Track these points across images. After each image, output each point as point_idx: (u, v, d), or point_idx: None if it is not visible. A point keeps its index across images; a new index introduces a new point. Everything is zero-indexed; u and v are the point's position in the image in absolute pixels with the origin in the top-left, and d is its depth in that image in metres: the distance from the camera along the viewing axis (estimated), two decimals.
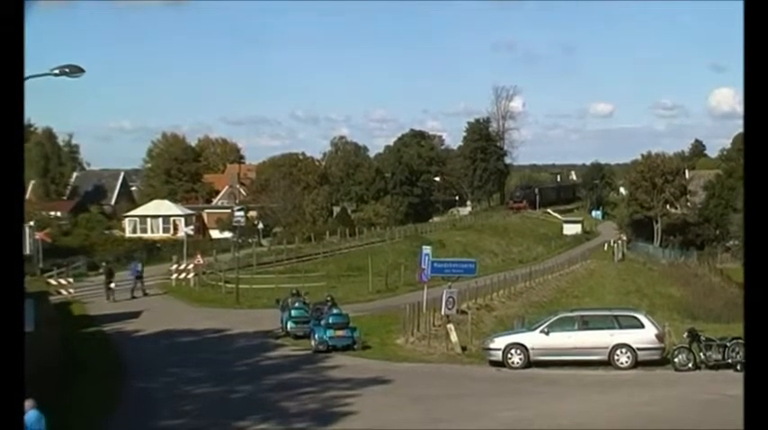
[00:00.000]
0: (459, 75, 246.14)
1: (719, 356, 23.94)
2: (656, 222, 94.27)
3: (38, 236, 52.40)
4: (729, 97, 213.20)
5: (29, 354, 16.30)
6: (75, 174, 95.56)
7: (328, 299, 31.84)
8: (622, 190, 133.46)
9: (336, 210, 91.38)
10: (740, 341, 23.05)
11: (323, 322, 28.51)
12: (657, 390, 21.66)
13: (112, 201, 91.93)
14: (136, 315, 36.65)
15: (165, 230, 78.40)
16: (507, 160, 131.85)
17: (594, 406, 19.64)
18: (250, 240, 70.12)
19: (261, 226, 76.40)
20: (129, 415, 19.65)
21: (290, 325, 30.80)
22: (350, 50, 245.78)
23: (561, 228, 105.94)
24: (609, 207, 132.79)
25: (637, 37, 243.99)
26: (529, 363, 25.35)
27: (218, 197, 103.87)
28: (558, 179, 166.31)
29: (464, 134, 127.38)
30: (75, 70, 18.55)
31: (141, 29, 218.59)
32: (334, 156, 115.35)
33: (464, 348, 28.47)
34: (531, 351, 25.43)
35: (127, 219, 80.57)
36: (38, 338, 19.10)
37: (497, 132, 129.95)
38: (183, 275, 47.91)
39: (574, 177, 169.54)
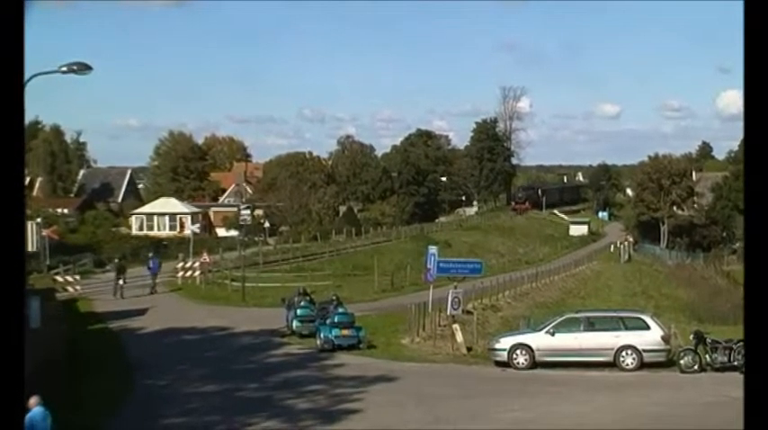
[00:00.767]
0: (465, 75, 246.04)
1: (725, 359, 23.88)
2: (663, 224, 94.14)
3: (45, 233, 52.54)
4: (737, 99, 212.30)
5: (35, 351, 16.39)
6: (82, 172, 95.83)
7: (334, 298, 31.84)
8: (629, 191, 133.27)
9: (343, 209, 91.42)
10: None
11: (328, 321, 28.51)
12: (663, 392, 21.63)
13: (119, 199, 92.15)
14: (142, 312, 36.72)
15: (172, 228, 78.51)
16: (514, 161, 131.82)
17: (599, 407, 19.62)
18: (256, 239, 70.21)
19: (267, 224, 76.46)
20: (136, 412, 19.69)
21: (295, 323, 30.81)
22: (357, 50, 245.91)
23: (567, 229, 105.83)
24: (615, 208, 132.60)
25: (643, 38, 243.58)
26: (534, 364, 25.33)
27: (225, 195, 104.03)
28: (565, 180, 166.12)
29: (471, 134, 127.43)
30: (82, 68, 18.59)
31: (148, 27, 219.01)
32: (340, 156, 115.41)
33: (469, 348, 28.45)
34: (536, 352, 25.41)
35: (133, 217, 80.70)
36: (44, 335, 19.21)
37: (504, 133, 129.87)
38: (189, 273, 47.98)
39: (581, 178, 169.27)
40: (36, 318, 18.82)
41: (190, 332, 32.16)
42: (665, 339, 25.52)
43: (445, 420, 18.40)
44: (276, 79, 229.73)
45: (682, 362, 24.34)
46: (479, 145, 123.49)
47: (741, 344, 23.50)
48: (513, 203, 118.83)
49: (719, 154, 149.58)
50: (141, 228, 78.36)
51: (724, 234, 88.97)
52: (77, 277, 44.89)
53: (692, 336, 25.05)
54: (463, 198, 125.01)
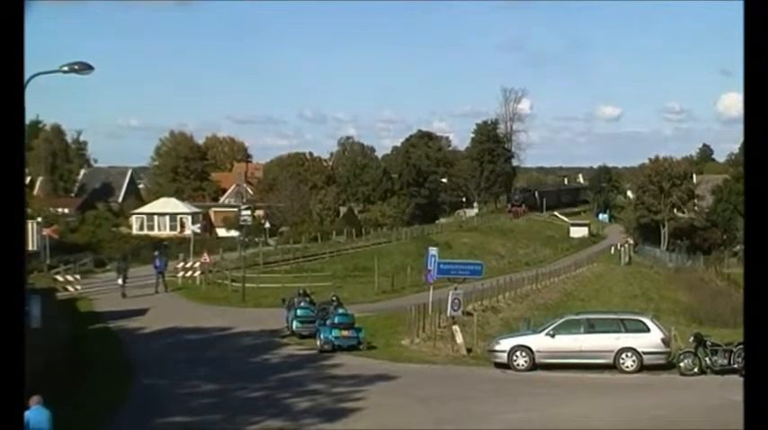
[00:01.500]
0: (466, 76, 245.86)
1: (725, 361, 23.89)
2: (663, 226, 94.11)
3: (45, 232, 52.59)
4: (737, 102, 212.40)
5: (35, 350, 16.40)
6: (82, 171, 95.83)
7: (334, 299, 31.84)
8: (630, 193, 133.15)
9: (343, 210, 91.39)
10: None
11: (328, 322, 28.53)
12: (662, 395, 21.63)
13: (120, 199, 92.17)
14: (142, 312, 36.72)
15: (172, 228, 78.56)
16: (515, 162, 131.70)
17: (599, 409, 19.62)
18: (257, 239, 70.24)
19: (267, 225, 76.47)
20: (136, 411, 19.69)
21: (295, 324, 30.82)
22: (357, 50, 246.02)
23: (568, 231, 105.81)
24: (616, 210, 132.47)
25: (644, 40, 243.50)
26: (534, 366, 25.34)
27: (225, 196, 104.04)
28: (566, 182, 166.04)
29: (472, 135, 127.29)
30: (83, 67, 18.62)
31: (149, 27, 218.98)
32: (341, 157, 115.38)
33: (469, 350, 28.46)
34: (536, 353, 25.42)
35: (134, 217, 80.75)
36: (44, 334, 19.21)
37: (505, 134, 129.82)
38: (189, 273, 48.00)
39: (581, 180, 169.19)
40: (36, 318, 18.81)
41: (190, 332, 32.17)
42: (665, 341, 25.53)
43: (446, 421, 18.41)
44: (276, 80, 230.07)
45: (682, 364, 24.36)
46: (480, 146, 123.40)
47: (741, 346, 23.50)
48: (508, 206, 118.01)
49: (720, 156, 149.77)
50: (142, 228, 78.40)
51: (724, 236, 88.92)
52: (78, 277, 44.91)
53: (691, 339, 25.06)
54: (464, 199, 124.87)
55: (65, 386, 20.25)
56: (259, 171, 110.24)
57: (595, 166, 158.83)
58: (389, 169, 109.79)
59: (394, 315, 34.67)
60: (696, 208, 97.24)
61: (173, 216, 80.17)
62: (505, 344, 25.95)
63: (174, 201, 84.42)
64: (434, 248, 33.83)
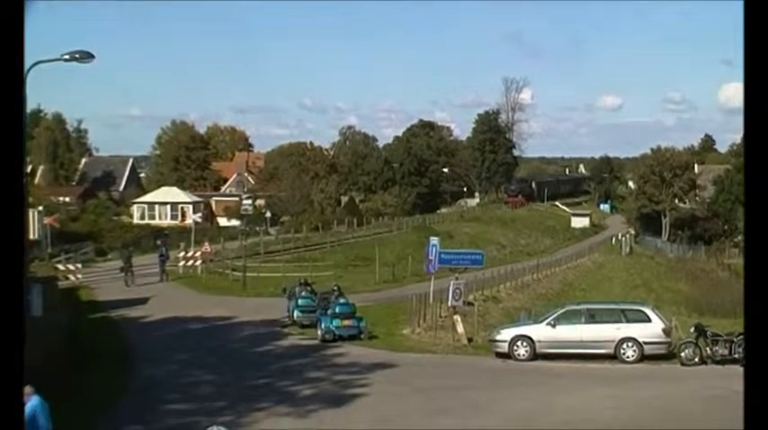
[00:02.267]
0: (467, 66, 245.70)
1: (726, 351, 23.91)
2: (665, 216, 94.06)
3: (46, 221, 52.59)
4: (739, 92, 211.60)
5: (36, 339, 16.40)
6: (83, 160, 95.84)
7: (335, 288, 31.85)
8: (631, 184, 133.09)
9: (344, 199, 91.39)
10: None
11: (329, 311, 28.56)
12: (663, 385, 21.65)
13: (121, 188, 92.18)
14: (143, 301, 36.76)
15: (174, 217, 78.55)
16: (516, 152, 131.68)
17: (600, 399, 19.63)
18: (258, 229, 70.23)
19: (269, 214, 76.47)
20: (138, 400, 19.72)
21: (296, 314, 30.85)
22: (358, 40, 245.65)
23: (569, 221, 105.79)
24: (617, 200, 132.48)
25: (645, 30, 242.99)
26: (535, 356, 25.37)
27: (227, 185, 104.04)
28: (567, 172, 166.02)
29: (473, 125, 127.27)
30: (85, 56, 18.61)
31: (151, 16, 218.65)
32: (342, 146, 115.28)
33: (470, 339, 28.48)
34: (537, 343, 25.45)
35: (135, 206, 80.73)
36: (45, 323, 19.23)
37: (506, 124, 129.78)
38: (190, 263, 48.03)
39: (583, 170, 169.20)
40: (37, 306, 18.85)
41: (191, 321, 32.20)
42: (666, 332, 25.54)
43: (446, 410, 18.43)
44: (277, 69, 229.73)
45: (682, 354, 24.38)
46: (481, 136, 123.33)
47: (742, 337, 23.50)
48: (505, 196, 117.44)
49: (722, 147, 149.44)
50: (143, 218, 78.38)
51: (726, 227, 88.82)
52: (79, 265, 44.94)
53: (692, 329, 25.07)
54: (465, 189, 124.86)
55: (66, 374, 20.29)
56: (260, 160, 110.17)
57: (597, 157, 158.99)
58: (391, 159, 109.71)
59: (395, 304, 34.72)
60: (697, 198, 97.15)
61: (174, 205, 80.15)
62: (506, 334, 25.98)
63: (175, 190, 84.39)
64: (435, 238, 33.82)
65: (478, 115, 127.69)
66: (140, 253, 51.57)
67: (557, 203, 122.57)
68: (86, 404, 18.26)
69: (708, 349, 24.28)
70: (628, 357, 24.94)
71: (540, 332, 25.60)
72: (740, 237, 79.31)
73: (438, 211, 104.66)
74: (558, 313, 26.40)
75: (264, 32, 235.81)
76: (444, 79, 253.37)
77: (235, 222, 79.56)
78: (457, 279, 29.49)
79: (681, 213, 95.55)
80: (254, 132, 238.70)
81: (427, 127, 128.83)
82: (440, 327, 29.46)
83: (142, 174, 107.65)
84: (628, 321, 25.46)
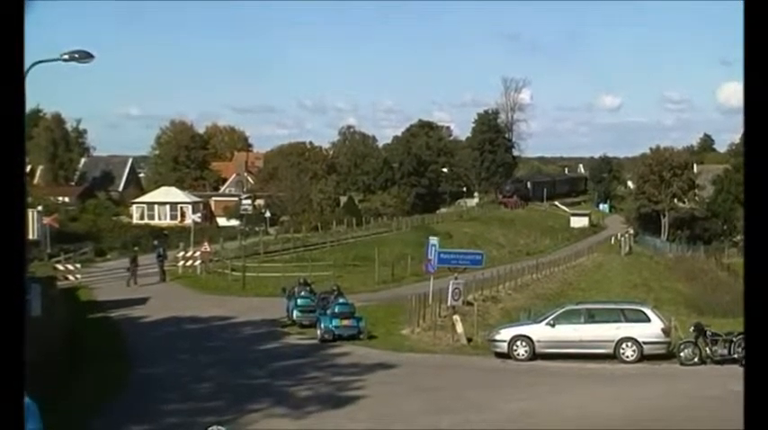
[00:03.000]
0: (466, 66, 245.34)
1: (725, 351, 23.90)
2: (664, 216, 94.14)
3: (45, 221, 52.61)
4: (738, 92, 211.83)
5: (35, 339, 16.38)
6: (83, 160, 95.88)
7: (334, 288, 31.85)
8: (630, 183, 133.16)
9: (344, 199, 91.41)
10: None
11: (329, 311, 28.54)
12: (662, 384, 21.64)
13: (120, 188, 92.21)
14: (142, 301, 36.76)
15: (173, 217, 78.58)
16: (515, 152, 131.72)
17: (599, 399, 19.64)
18: (257, 228, 70.26)
19: (268, 214, 76.49)
20: (137, 399, 19.70)
21: (296, 313, 30.85)
22: (357, 40, 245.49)
23: (568, 221, 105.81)
24: (616, 200, 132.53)
25: (644, 29, 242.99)
26: (534, 356, 25.36)
27: (226, 185, 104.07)
28: (566, 171, 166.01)
29: (472, 125, 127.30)
30: (84, 56, 18.58)
31: (149, 16, 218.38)
32: (341, 146, 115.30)
33: (470, 339, 28.47)
34: (536, 343, 25.44)
35: (134, 206, 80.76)
36: (44, 323, 19.21)
37: (506, 124, 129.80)
38: (189, 262, 48.03)
39: (582, 170, 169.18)
40: (37, 306, 18.82)
41: (190, 321, 32.20)
42: (666, 331, 25.54)
43: (447, 410, 18.41)
44: (276, 69, 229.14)
45: (682, 354, 24.37)
46: (481, 136, 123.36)
47: (741, 336, 23.49)
48: (500, 197, 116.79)
49: (721, 146, 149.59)
50: (142, 217, 78.41)
51: (725, 226, 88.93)
52: (78, 265, 44.94)
53: (692, 329, 25.07)
54: (464, 189, 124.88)
55: (65, 374, 20.29)
56: (259, 160, 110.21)
57: (596, 156, 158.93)
58: (390, 159, 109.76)
59: (394, 304, 34.71)
60: (696, 198, 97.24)
61: (173, 205, 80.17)
62: (506, 334, 25.97)
63: (174, 190, 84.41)
64: (435, 238, 33.82)
65: (478, 115, 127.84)
66: (140, 253, 51.51)
67: (556, 203, 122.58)
68: (85, 404, 18.26)
69: (707, 349, 24.27)
70: (627, 357, 24.94)
71: (540, 332, 25.59)
72: (739, 237, 79.38)
73: (437, 211, 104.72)
74: (558, 313, 26.39)
75: (263, 32, 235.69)
76: (443, 79, 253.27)
77: (234, 222, 79.60)
78: (456, 279, 29.48)
79: (680, 213, 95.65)
80: (253, 132, 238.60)
81: (426, 127, 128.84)
82: (439, 327, 29.45)
83: (141, 174, 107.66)
84: (627, 321, 25.45)
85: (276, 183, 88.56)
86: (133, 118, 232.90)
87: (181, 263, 47.89)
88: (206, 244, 49.58)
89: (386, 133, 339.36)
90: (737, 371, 21.71)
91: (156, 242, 48.83)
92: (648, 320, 25.51)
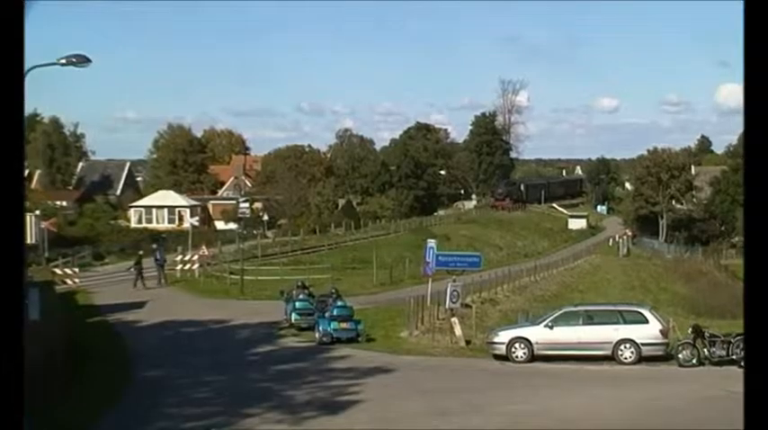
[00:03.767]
0: (463, 68, 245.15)
1: (724, 352, 23.93)
2: (662, 218, 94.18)
3: (43, 225, 52.58)
4: (735, 93, 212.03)
5: (34, 342, 16.38)
6: (80, 164, 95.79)
7: (333, 291, 31.85)
8: (628, 185, 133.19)
9: (341, 202, 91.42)
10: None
11: (327, 314, 28.55)
12: (661, 386, 21.65)
13: (118, 192, 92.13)
14: (140, 305, 36.75)
15: (171, 221, 78.58)
16: (513, 154, 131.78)
17: (598, 400, 19.64)
18: (255, 232, 70.29)
19: (266, 217, 76.52)
20: (135, 403, 19.68)
21: (294, 316, 30.85)
22: (354, 43, 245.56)
23: (566, 223, 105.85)
24: (614, 202, 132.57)
25: (641, 32, 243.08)
26: (533, 358, 25.38)
27: (224, 188, 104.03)
28: (564, 174, 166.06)
29: (470, 128, 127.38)
30: (81, 60, 18.61)
31: (147, 20, 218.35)
32: (339, 149, 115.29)
33: (468, 342, 28.49)
34: (535, 345, 25.45)
35: (132, 210, 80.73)
36: (43, 327, 19.18)
37: (503, 126, 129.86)
38: (187, 266, 48.02)
39: (579, 172, 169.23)
40: (35, 310, 18.80)
41: (188, 325, 32.18)
42: (664, 333, 25.57)
43: (446, 412, 18.39)
44: (273, 72, 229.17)
45: (680, 355, 24.40)
46: (478, 139, 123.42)
47: (739, 338, 23.52)
48: (492, 200, 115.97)
49: (718, 148, 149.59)
50: (140, 221, 78.39)
51: (722, 228, 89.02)
52: (76, 270, 44.92)
53: (690, 330, 25.09)
54: (462, 191, 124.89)
55: (63, 378, 20.26)
56: (257, 163, 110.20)
57: (594, 158, 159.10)
58: (388, 161, 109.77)
59: (393, 307, 34.72)
60: (694, 199, 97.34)
61: (171, 209, 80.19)
62: (504, 336, 25.99)
63: (172, 193, 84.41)
64: (433, 240, 33.87)
65: (475, 117, 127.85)
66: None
67: (554, 205, 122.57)
68: (83, 407, 18.23)
69: (705, 350, 24.29)
70: (625, 358, 24.96)
71: (538, 334, 25.61)
72: (737, 238, 79.47)
73: (435, 214, 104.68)
74: (556, 315, 26.42)
75: (261, 35, 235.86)
76: (441, 82, 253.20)
77: (232, 225, 79.48)
78: (454, 281, 29.51)
79: (678, 215, 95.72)
80: (250, 135, 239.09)
81: (424, 129, 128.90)
82: (438, 330, 29.47)
83: (139, 178, 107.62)
84: (625, 322, 25.48)
85: (274, 186, 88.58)
86: (131, 122, 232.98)
87: (179, 266, 47.87)
88: (204, 247, 49.58)
89: (383, 136, 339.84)
90: (736, 372, 21.75)
91: (154, 246, 48.80)
92: (647, 322, 25.54)
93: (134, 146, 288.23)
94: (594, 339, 25.25)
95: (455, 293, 28.90)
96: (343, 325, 28.14)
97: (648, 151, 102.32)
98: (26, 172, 77.64)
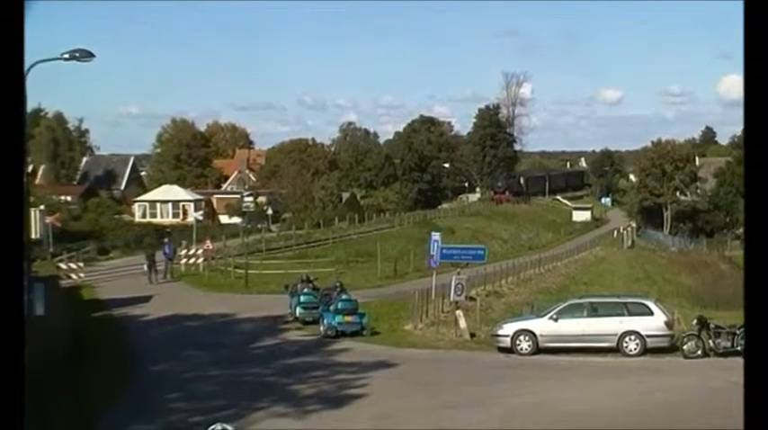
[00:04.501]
0: (466, 60, 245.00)
1: (728, 344, 23.91)
2: (666, 209, 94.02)
3: (48, 220, 52.56)
4: (738, 84, 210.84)
5: (38, 337, 16.41)
6: (84, 159, 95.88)
7: (337, 284, 31.87)
8: (632, 177, 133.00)
9: (346, 195, 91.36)
10: None
11: (332, 308, 28.57)
12: (666, 377, 21.65)
13: (122, 186, 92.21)
14: (146, 299, 36.79)
15: (175, 215, 78.53)
16: (517, 147, 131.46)
17: (603, 392, 19.65)
18: (259, 226, 70.19)
19: (270, 211, 76.45)
20: (140, 397, 19.73)
21: (298, 310, 30.88)
22: (356, 36, 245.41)
23: (570, 215, 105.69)
24: (618, 194, 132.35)
25: (643, 23, 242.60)
26: (537, 350, 25.38)
27: (228, 182, 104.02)
28: (568, 166, 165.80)
29: (474, 120, 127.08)
30: (85, 55, 18.63)
31: (149, 15, 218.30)
32: (343, 143, 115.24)
33: (473, 334, 28.49)
34: (539, 337, 25.46)
35: (136, 204, 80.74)
36: (48, 321, 19.23)
37: (507, 119, 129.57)
38: (192, 260, 48.06)
39: (583, 164, 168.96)
40: (40, 306, 18.85)
41: (193, 319, 32.24)
42: (669, 324, 25.55)
43: (450, 405, 18.42)
44: (275, 66, 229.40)
45: (685, 347, 24.39)
46: (482, 131, 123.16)
47: (744, 329, 23.45)
48: (491, 194, 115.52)
49: (723, 139, 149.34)
50: (144, 216, 78.38)
51: (727, 219, 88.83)
52: (81, 264, 44.96)
53: (695, 322, 25.08)
54: (466, 184, 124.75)
55: (68, 372, 20.31)
56: (261, 157, 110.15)
57: (598, 150, 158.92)
58: (391, 155, 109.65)
59: (397, 300, 34.71)
60: (699, 191, 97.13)
61: (175, 203, 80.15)
62: (509, 329, 26.00)
63: (176, 188, 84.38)
64: (437, 233, 33.80)
65: (479, 110, 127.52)
66: (143, 251, 51.52)
67: (558, 197, 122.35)
68: (88, 402, 18.28)
69: (710, 342, 24.28)
70: (630, 350, 24.95)
71: (543, 326, 25.61)
72: (742, 230, 79.30)
73: (439, 207, 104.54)
74: (561, 307, 26.41)
75: (263, 30, 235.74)
76: (444, 74, 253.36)
77: (236, 219, 79.32)
78: (459, 274, 29.49)
79: (682, 206, 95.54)
80: (254, 130, 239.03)
81: (428, 122, 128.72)
82: (442, 323, 29.47)
83: (143, 173, 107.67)
84: (630, 314, 25.47)
85: (278, 180, 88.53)
86: (134, 116, 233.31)
87: (183, 261, 47.91)
88: (208, 242, 49.59)
89: (387, 129, 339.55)
90: (741, 363, 21.68)
91: (166, 240, 48.82)
92: (651, 314, 25.53)
93: (138, 140, 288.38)
94: (599, 331, 25.25)
95: (459, 286, 28.89)
96: (348, 318, 28.17)
97: (653, 143, 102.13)
98: (30, 167, 77.77)
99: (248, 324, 31.19)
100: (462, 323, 28.58)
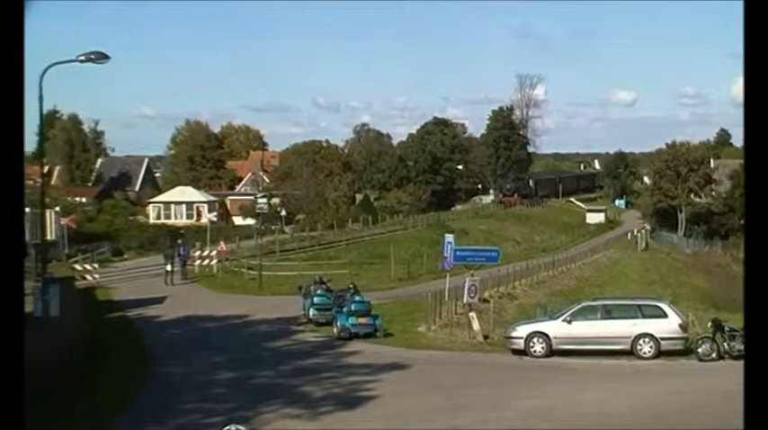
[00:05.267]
0: (479, 62, 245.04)
1: (743, 347, 23.77)
2: (681, 212, 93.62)
3: (63, 222, 52.80)
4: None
5: (54, 337, 16.48)
6: (99, 161, 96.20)
7: (351, 286, 31.89)
8: (646, 179, 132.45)
9: (359, 197, 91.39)
10: None
11: (345, 309, 28.59)
12: (680, 380, 21.56)
13: (137, 188, 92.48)
14: (160, 300, 36.91)
15: (189, 217, 78.77)
16: (530, 149, 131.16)
17: (616, 395, 19.58)
18: (273, 227, 70.30)
19: (284, 213, 76.55)
20: (153, 398, 19.79)
21: (312, 312, 30.91)
22: (369, 39, 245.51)
23: (584, 217, 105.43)
24: (633, 196, 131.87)
25: (657, 25, 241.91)
26: (551, 352, 25.32)
27: (242, 184, 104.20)
28: (582, 168, 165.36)
29: (487, 122, 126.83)
30: (100, 57, 18.74)
31: (163, 17, 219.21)
32: (356, 144, 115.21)
33: (486, 336, 28.46)
34: (553, 340, 25.40)
35: (151, 206, 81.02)
36: (63, 322, 19.32)
37: (520, 120, 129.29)
38: (206, 262, 48.18)
39: (597, 166, 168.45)
40: (55, 306, 18.95)
41: (207, 320, 32.32)
42: (683, 327, 25.45)
43: (464, 407, 18.40)
44: (289, 68, 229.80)
45: (699, 350, 24.27)
46: (495, 133, 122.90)
47: (744, 331, 23.34)
48: (500, 196, 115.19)
49: (738, 141, 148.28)
50: (159, 217, 78.64)
51: (742, 222, 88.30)
52: (96, 265, 45.18)
53: (709, 324, 24.96)
54: (479, 186, 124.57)
55: (83, 373, 20.40)
56: (275, 159, 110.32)
57: (612, 152, 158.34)
58: (405, 156, 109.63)
59: (410, 302, 34.73)
60: (713, 193, 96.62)
61: (189, 204, 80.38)
62: (522, 331, 25.94)
63: (190, 189, 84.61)
64: (451, 235, 33.77)
65: (492, 112, 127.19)
66: (156, 252, 51.74)
67: (572, 200, 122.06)
68: (103, 403, 18.35)
69: (725, 344, 24.15)
70: (644, 353, 24.86)
71: (556, 328, 25.54)
72: None
73: (453, 209, 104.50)
74: (574, 309, 26.34)
75: (277, 31, 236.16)
76: (457, 76, 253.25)
77: (250, 221, 79.52)
78: (472, 276, 29.46)
79: (697, 208, 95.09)
80: (268, 131, 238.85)
81: (441, 124, 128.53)
82: (455, 325, 29.45)
83: (157, 174, 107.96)
84: (644, 317, 25.37)
85: (291, 181, 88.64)
86: (148, 118, 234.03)
87: (197, 262, 48.05)
88: (222, 243, 49.73)
89: (400, 131, 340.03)
90: None
91: (180, 241, 48.94)
92: (666, 316, 25.43)
93: (152, 142, 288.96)
94: (613, 334, 25.16)
95: (473, 288, 28.85)
96: (361, 320, 28.19)
97: (667, 145, 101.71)
98: (46, 168, 77.93)
99: (262, 325, 31.25)
100: (476, 325, 28.55)
